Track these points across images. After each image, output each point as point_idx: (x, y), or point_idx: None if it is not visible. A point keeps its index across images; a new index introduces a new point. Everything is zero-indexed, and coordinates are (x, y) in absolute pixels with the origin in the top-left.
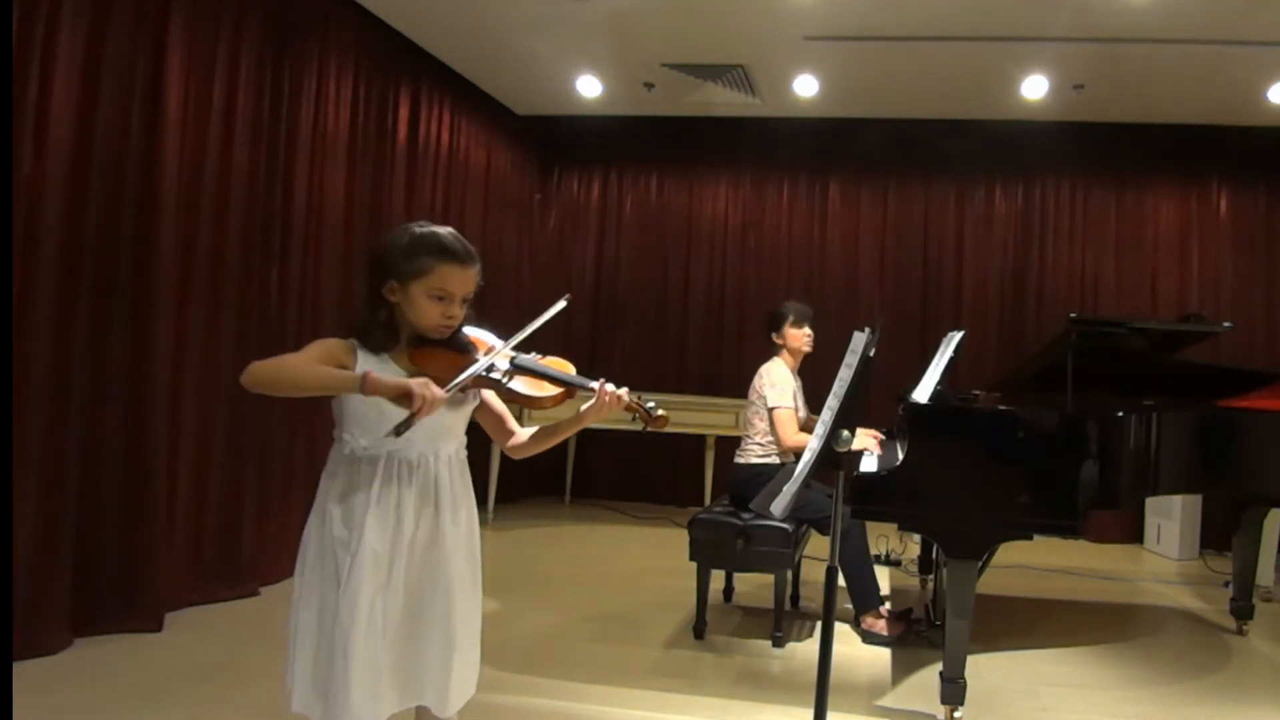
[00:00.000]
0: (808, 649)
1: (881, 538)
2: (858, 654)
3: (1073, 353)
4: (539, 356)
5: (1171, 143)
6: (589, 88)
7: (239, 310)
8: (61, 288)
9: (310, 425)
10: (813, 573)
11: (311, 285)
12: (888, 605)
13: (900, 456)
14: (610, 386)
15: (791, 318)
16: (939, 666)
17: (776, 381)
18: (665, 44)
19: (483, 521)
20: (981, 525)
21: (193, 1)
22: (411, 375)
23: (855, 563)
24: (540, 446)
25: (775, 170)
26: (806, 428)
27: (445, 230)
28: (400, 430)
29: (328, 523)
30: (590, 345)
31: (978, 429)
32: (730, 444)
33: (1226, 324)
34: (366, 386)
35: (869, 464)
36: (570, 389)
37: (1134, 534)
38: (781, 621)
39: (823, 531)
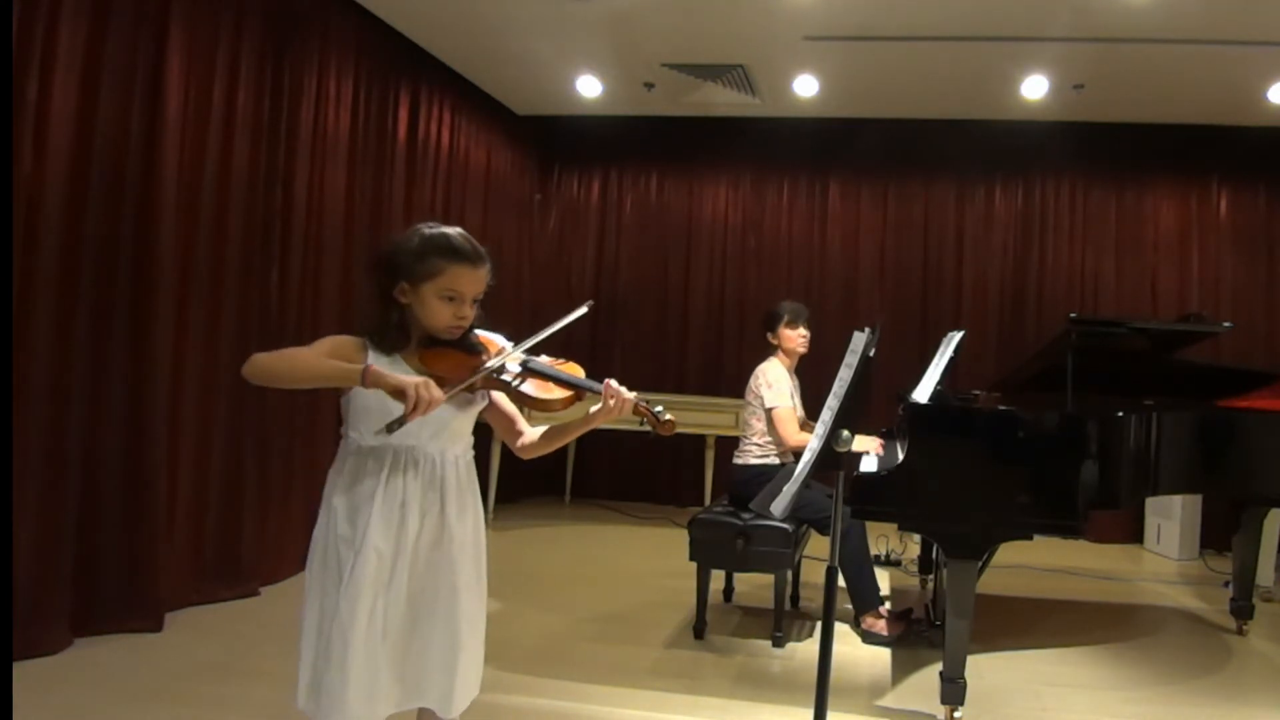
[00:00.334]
0: (808, 649)
1: (881, 538)
2: (858, 654)
3: (1073, 353)
4: (550, 359)
5: (1171, 143)
6: (589, 88)
7: (239, 310)
8: (61, 287)
9: (310, 425)
10: (813, 573)
11: (311, 285)
12: (888, 605)
13: (900, 456)
14: (620, 390)
15: (787, 318)
16: (939, 666)
17: (773, 381)
18: (665, 44)
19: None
20: (981, 525)
21: (193, 1)
22: (422, 376)
23: (855, 563)
24: (549, 447)
25: (775, 170)
26: (805, 429)
27: (455, 231)
28: (392, 428)
29: (332, 520)
30: (590, 345)
31: (978, 429)
32: (730, 444)
33: (1226, 324)
34: (367, 379)
35: (869, 464)
36: (579, 392)
37: (1134, 534)
38: (781, 621)
39: (823, 531)
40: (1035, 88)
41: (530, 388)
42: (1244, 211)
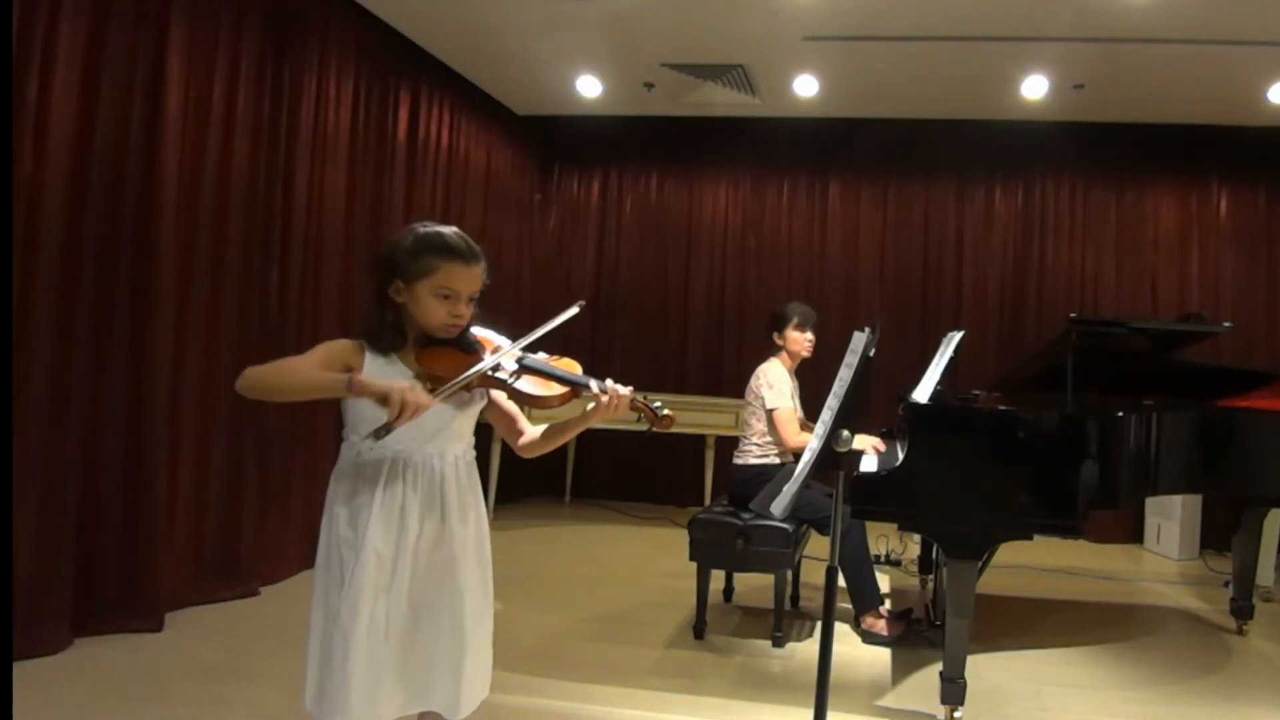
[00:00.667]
0: (808, 649)
1: (881, 538)
2: (858, 654)
3: (1073, 353)
4: (546, 357)
5: (1171, 143)
6: (589, 88)
7: (239, 310)
8: (61, 288)
9: (310, 426)
10: (813, 573)
11: (311, 285)
12: (888, 605)
13: (900, 456)
14: (617, 386)
15: (795, 320)
16: (939, 666)
17: (774, 382)
18: (665, 44)
19: None
20: (981, 525)
21: (193, 1)
22: (418, 375)
23: (855, 563)
24: (550, 445)
25: (775, 170)
26: (805, 429)
27: (449, 229)
28: (379, 434)
29: (334, 523)
30: (590, 345)
31: (978, 429)
32: (730, 444)
33: (1226, 324)
34: (353, 388)
35: (869, 464)
36: (576, 388)
37: (1134, 534)
38: (781, 621)
39: (823, 531)
40: (1035, 88)
41: (527, 385)
42: (1244, 211)
